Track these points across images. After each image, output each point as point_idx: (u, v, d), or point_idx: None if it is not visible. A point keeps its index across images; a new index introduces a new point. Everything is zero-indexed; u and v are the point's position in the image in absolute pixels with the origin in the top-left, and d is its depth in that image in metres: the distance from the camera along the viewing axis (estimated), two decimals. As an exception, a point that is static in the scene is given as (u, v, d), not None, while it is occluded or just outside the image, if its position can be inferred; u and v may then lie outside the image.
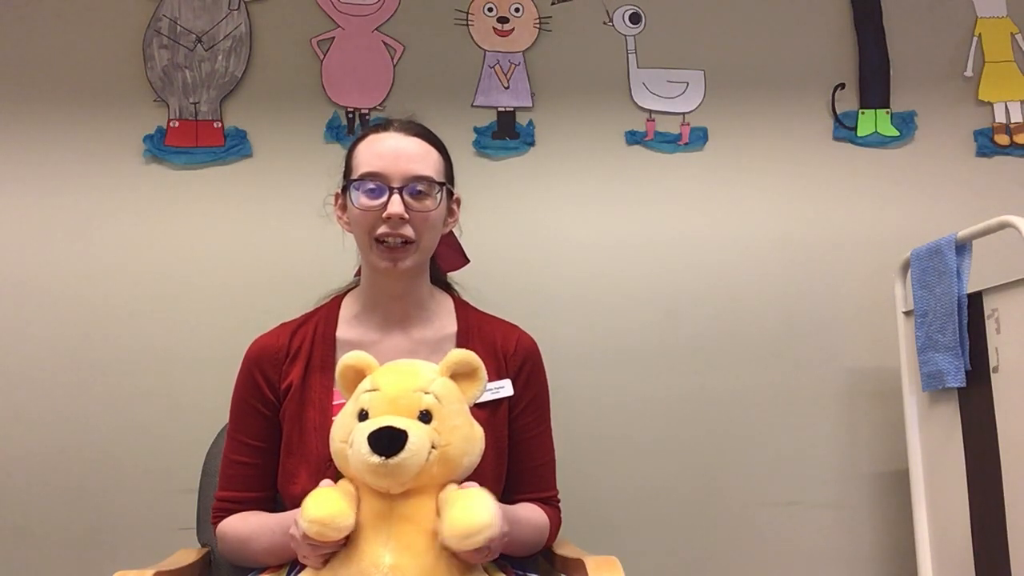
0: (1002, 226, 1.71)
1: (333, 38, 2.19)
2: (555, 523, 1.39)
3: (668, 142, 2.22)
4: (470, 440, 1.16)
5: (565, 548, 1.41)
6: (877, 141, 2.26)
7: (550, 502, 1.40)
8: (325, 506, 1.07)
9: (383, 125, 1.35)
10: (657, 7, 2.27)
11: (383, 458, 1.06)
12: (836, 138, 2.26)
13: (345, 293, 1.43)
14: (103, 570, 1.55)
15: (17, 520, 1.96)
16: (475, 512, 1.05)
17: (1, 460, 1.97)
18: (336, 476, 1.16)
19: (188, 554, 1.43)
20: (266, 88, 2.16)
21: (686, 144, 2.22)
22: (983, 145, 2.26)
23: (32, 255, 2.05)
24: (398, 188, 1.28)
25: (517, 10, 2.24)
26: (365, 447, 1.06)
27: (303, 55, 2.18)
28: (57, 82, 2.11)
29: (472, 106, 2.20)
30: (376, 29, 2.21)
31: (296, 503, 1.11)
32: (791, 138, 2.25)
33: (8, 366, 2.00)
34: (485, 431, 1.20)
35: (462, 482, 1.15)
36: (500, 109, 2.20)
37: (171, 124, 2.12)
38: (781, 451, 2.12)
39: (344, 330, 1.36)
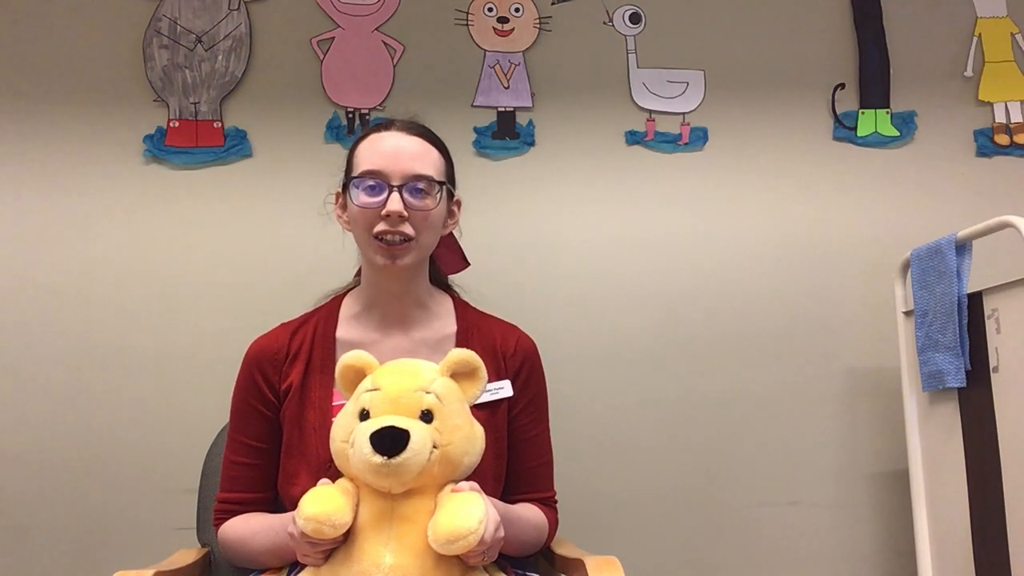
0: (1002, 226, 1.71)
1: (333, 38, 2.19)
2: (553, 524, 1.39)
3: (668, 142, 2.22)
4: (471, 440, 1.16)
5: (565, 548, 1.41)
6: (877, 141, 2.26)
7: (548, 503, 1.40)
8: (321, 503, 1.07)
9: (385, 124, 1.35)
10: (657, 7, 2.27)
11: (386, 458, 1.06)
12: (836, 138, 2.26)
13: (345, 293, 1.43)
14: (103, 570, 1.55)
15: (17, 520, 1.96)
16: (461, 517, 1.05)
17: (1, 460, 1.97)
18: (336, 478, 1.16)
19: (188, 554, 1.43)
20: (266, 88, 2.16)
21: (686, 144, 2.22)
22: (983, 145, 2.27)
23: (32, 255, 2.05)
24: (398, 186, 1.28)
25: (517, 10, 2.24)
26: (367, 447, 1.06)
27: (303, 55, 2.18)
28: (57, 82, 2.11)
29: (472, 106, 2.20)
30: (376, 29, 2.21)
31: (296, 505, 1.10)
32: (791, 138, 2.25)
33: (8, 366, 2.00)
34: (485, 432, 1.20)
35: (460, 482, 1.15)
36: (500, 109, 2.20)
37: (171, 124, 2.12)
38: (781, 451, 2.12)
39: (344, 330, 1.36)
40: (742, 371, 2.14)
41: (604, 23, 2.26)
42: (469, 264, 1.53)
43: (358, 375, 1.18)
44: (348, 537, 1.10)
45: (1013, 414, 1.65)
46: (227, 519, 1.32)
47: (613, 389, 2.11)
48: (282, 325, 1.40)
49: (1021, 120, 2.28)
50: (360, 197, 1.29)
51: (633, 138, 2.21)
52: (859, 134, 2.26)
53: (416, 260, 1.32)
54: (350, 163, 1.35)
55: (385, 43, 2.20)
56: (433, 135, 1.37)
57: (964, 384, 1.78)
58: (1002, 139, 2.27)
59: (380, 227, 1.28)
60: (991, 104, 2.29)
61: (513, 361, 1.38)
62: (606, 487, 2.08)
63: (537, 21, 2.24)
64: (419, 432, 1.08)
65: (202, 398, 1.98)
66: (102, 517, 1.97)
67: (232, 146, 2.12)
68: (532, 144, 2.19)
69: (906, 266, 2.01)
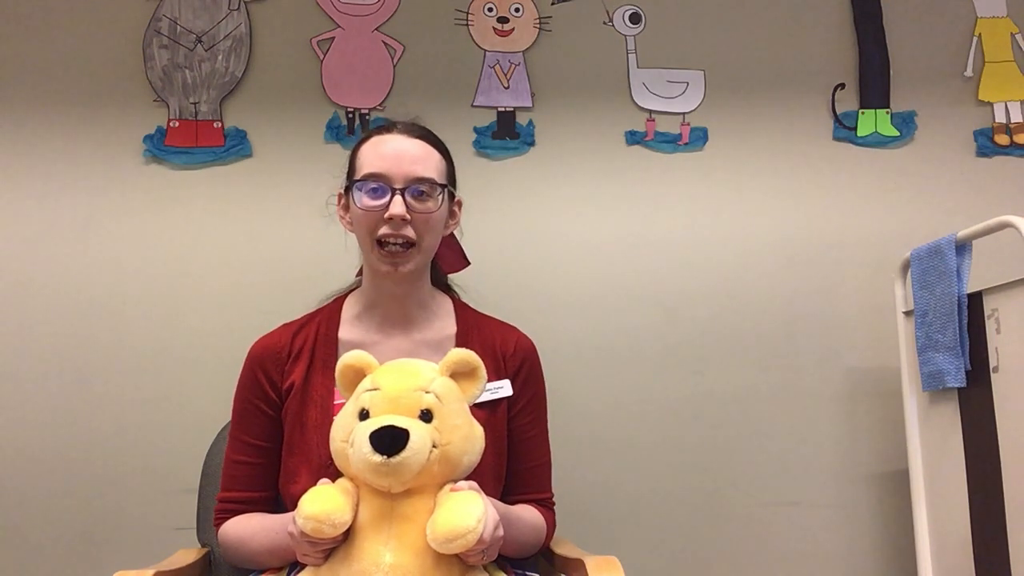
0: (1002, 226, 1.71)
1: (333, 38, 2.19)
2: (551, 525, 1.40)
3: (668, 142, 2.22)
4: (470, 439, 1.16)
5: (565, 548, 1.41)
6: (877, 141, 2.26)
7: (545, 503, 1.40)
8: (321, 503, 1.07)
9: (387, 127, 1.36)
10: (657, 7, 2.27)
11: (385, 457, 1.06)
12: (836, 138, 2.26)
13: (347, 294, 1.44)
14: (103, 570, 1.55)
15: (16, 520, 1.96)
16: (459, 516, 1.05)
17: (1, 460, 1.97)
18: (336, 477, 1.16)
19: (188, 554, 1.43)
20: (266, 88, 2.16)
21: (686, 144, 2.22)
22: (983, 145, 2.26)
23: (32, 255, 2.05)
24: (400, 189, 1.29)
25: (517, 10, 2.24)
26: (367, 446, 1.07)
27: (303, 55, 2.18)
28: (57, 82, 2.11)
29: (472, 106, 2.20)
30: (376, 29, 2.21)
31: (296, 503, 1.11)
32: (791, 138, 2.25)
33: (8, 366, 2.00)
34: (485, 431, 1.21)
35: (459, 481, 1.15)
36: (500, 109, 2.20)
37: (171, 124, 2.12)
38: (781, 451, 2.12)
39: (346, 331, 1.37)
40: (742, 371, 2.14)
41: (604, 23, 2.26)
42: (469, 263, 1.53)
43: (358, 375, 1.19)
44: (348, 536, 1.10)
45: (1013, 414, 1.65)
46: (228, 518, 1.32)
47: (613, 389, 2.11)
48: (284, 325, 1.41)
49: (1021, 120, 2.28)
50: (363, 200, 1.30)
51: (633, 138, 2.21)
52: (859, 134, 2.26)
53: (418, 265, 1.33)
54: (352, 165, 1.36)
55: (385, 43, 2.20)
56: (435, 137, 1.38)
57: (964, 384, 1.78)
58: (1002, 139, 2.27)
59: (383, 231, 1.29)
60: (991, 104, 2.29)
61: (512, 361, 1.38)
62: (606, 487, 2.08)
63: (537, 21, 2.24)
64: (418, 431, 1.09)
65: (202, 398, 1.98)
66: (102, 517, 1.97)
67: (232, 146, 2.12)
68: (532, 144, 2.19)
69: (906, 266, 2.01)
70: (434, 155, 1.34)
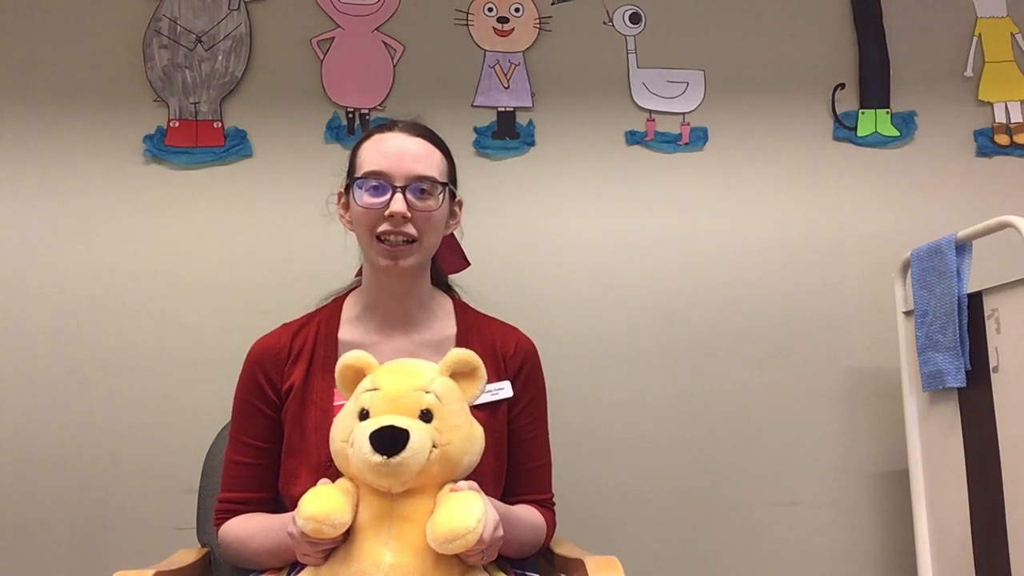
0: (1002, 226, 1.71)
1: (333, 38, 2.19)
2: (551, 526, 1.40)
3: (668, 142, 2.22)
4: (470, 439, 1.16)
5: (565, 548, 1.41)
6: (877, 141, 2.26)
7: (546, 504, 1.40)
8: (321, 503, 1.07)
9: (388, 125, 1.36)
10: (657, 7, 2.27)
11: (385, 457, 1.06)
12: (836, 138, 2.26)
13: (347, 294, 1.44)
14: (103, 570, 1.55)
15: (17, 520, 1.96)
16: (459, 516, 1.05)
17: (1, 460, 1.97)
18: (336, 477, 1.16)
19: (188, 554, 1.43)
20: (266, 88, 2.16)
21: (686, 144, 2.22)
22: (983, 145, 2.26)
23: (32, 255, 2.05)
24: (401, 187, 1.28)
25: (517, 10, 2.24)
26: (367, 446, 1.07)
27: (303, 55, 2.18)
28: (57, 82, 2.11)
29: (472, 106, 2.20)
30: (376, 29, 2.21)
31: (296, 504, 1.11)
32: (791, 138, 2.25)
33: (8, 366, 2.00)
34: (485, 432, 1.20)
35: (459, 481, 1.15)
36: (500, 109, 2.20)
37: (171, 124, 2.12)
38: (781, 451, 2.12)
39: (346, 331, 1.37)
40: (742, 371, 2.14)
41: (604, 23, 2.26)
42: (469, 264, 1.53)
43: (357, 375, 1.19)
44: (348, 536, 1.10)
45: (1013, 414, 1.65)
46: (228, 519, 1.32)
47: (613, 389, 2.11)
48: (284, 326, 1.40)
49: (1021, 120, 2.28)
50: (363, 198, 1.30)
51: (633, 138, 2.21)
52: (859, 134, 2.26)
53: (418, 261, 1.33)
54: (353, 163, 1.36)
55: (385, 43, 2.20)
56: (436, 136, 1.38)
57: (964, 384, 1.78)
58: (1002, 139, 2.27)
59: (383, 227, 1.29)
60: (991, 104, 2.29)
61: (513, 362, 1.38)
62: (606, 486, 2.07)
63: (537, 21, 2.24)
64: (418, 431, 1.09)
65: (202, 398, 1.98)
66: (102, 517, 1.97)
67: (232, 146, 2.12)
68: (532, 144, 2.19)
69: (906, 266, 2.01)
70: (435, 154, 1.34)
